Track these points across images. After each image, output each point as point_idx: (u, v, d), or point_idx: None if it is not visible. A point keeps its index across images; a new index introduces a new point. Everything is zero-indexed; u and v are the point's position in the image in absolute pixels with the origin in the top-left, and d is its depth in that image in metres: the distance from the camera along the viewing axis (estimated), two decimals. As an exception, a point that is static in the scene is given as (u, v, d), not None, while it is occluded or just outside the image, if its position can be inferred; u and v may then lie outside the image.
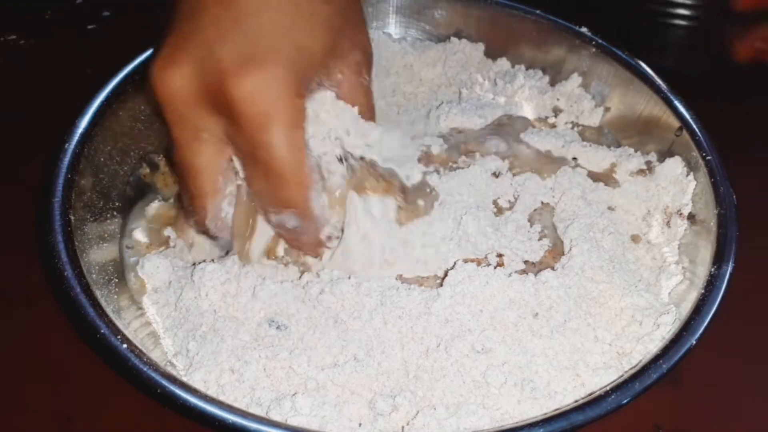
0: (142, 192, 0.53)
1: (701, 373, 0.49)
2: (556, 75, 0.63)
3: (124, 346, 0.39)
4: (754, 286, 0.53)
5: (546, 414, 0.39)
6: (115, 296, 0.45)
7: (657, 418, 0.47)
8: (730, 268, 0.45)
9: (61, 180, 0.46)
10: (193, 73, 0.41)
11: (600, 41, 0.59)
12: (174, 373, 0.40)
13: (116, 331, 0.40)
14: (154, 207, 0.52)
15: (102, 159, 0.50)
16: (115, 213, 0.50)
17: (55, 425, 0.45)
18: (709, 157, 0.50)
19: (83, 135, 0.48)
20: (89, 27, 0.73)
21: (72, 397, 0.46)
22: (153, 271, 0.48)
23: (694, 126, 0.52)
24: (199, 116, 0.42)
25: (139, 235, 0.51)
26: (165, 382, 0.38)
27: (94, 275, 0.44)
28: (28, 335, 0.49)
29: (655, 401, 0.47)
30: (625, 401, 0.39)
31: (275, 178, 0.43)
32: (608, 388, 0.40)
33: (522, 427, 0.38)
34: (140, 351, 0.39)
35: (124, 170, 0.53)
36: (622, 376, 0.42)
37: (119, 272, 0.48)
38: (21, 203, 0.55)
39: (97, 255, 0.46)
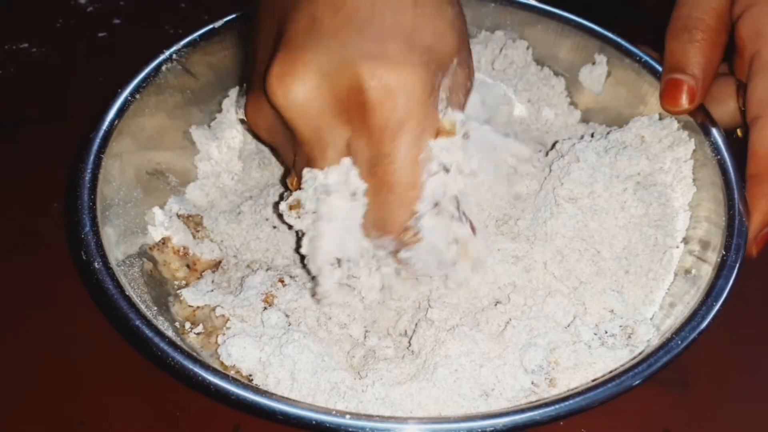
0: (156, 189, 0.53)
1: (711, 378, 0.49)
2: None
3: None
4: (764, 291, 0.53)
5: (556, 396, 0.40)
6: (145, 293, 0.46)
7: (666, 423, 0.47)
8: (739, 258, 0.45)
9: (87, 177, 0.46)
10: (319, 83, 0.40)
11: (602, 32, 0.59)
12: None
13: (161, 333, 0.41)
14: (173, 204, 0.53)
15: (125, 156, 0.50)
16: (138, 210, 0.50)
17: (68, 430, 0.46)
18: (718, 157, 0.50)
19: (107, 132, 0.48)
20: (100, 35, 0.73)
21: (85, 403, 0.47)
22: (241, 354, 0.44)
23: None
24: (329, 126, 0.41)
25: (159, 233, 0.51)
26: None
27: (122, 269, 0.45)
28: (42, 342, 0.50)
29: (664, 406, 0.48)
30: (636, 383, 0.40)
31: (385, 191, 0.41)
32: (617, 371, 0.41)
33: (536, 407, 0.39)
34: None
35: (145, 167, 0.52)
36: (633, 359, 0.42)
37: (146, 276, 0.48)
38: (31, 207, 0.57)
39: (124, 250, 0.47)
